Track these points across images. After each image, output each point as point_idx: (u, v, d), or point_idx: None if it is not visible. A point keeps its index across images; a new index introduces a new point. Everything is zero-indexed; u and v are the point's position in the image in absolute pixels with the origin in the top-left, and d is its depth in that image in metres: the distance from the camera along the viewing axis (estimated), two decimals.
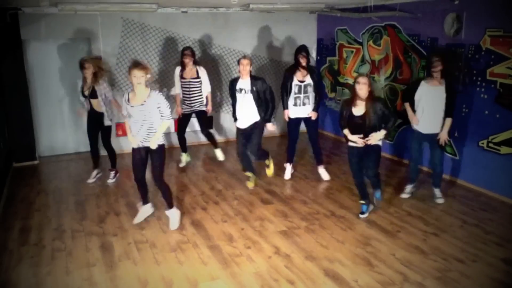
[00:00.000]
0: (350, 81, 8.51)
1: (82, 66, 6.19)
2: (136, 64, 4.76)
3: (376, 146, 5.12)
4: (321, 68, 9.30)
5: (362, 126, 5.00)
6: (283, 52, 9.12)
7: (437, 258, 4.39)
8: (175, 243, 4.79)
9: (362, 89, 4.90)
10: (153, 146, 4.86)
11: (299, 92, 6.25)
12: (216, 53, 8.58)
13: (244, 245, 4.73)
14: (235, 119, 6.15)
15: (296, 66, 6.24)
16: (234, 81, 6.03)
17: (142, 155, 5.01)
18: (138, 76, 4.70)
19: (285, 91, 6.29)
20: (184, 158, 7.42)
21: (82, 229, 5.16)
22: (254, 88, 5.85)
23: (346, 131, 5.16)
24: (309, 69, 6.28)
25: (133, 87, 4.85)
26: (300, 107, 6.33)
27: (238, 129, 6.15)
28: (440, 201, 5.70)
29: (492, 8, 5.69)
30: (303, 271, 4.21)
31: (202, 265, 4.36)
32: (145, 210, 5.37)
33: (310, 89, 6.27)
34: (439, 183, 5.76)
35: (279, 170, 6.88)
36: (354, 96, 5.02)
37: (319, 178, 6.67)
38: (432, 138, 5.56)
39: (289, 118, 6.43)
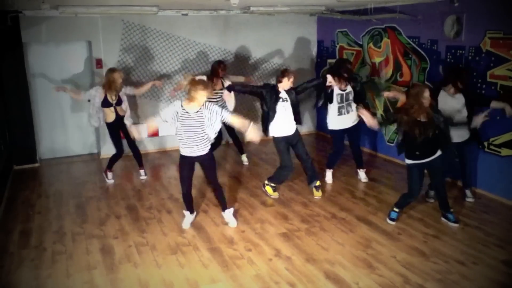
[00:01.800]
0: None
1: (112, 76, 6.32)
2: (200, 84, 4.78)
3: None
4: (322, 70, 9.30)
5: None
6: (283, 54, 9.12)
7: (438, 260, 4.39)
8: (176, 246, 4.79)
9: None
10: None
11: (342, 101, 6.22)
12: (216, 56, 8.59)
13: (244, 248, 4.73)
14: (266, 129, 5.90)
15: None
16: (273, 90, 5.85)
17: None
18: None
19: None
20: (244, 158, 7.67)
21: (82, 231, 5.16)
22: (290, 97, 5.82)
23: None
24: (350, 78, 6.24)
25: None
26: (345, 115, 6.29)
27: (280, 139, 5.87)
28: (471, 200, 5.81)
29: (492, 10, 5.69)
30: (304, 274, 4.21)
31: (203, 268, 4.35)
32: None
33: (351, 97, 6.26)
34: (470, 183, 5.89)
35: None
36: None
37: (320, 180, 6.67)
38: (459, 146, 5.56)
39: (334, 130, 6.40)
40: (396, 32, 7.25)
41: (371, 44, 7.88)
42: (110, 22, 7.72)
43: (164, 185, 6.68)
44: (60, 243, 4.89)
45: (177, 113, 4.81)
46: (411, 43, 6.98)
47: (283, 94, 5.80)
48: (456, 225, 5.10)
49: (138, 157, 6.87)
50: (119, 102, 6.46)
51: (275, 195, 6.08)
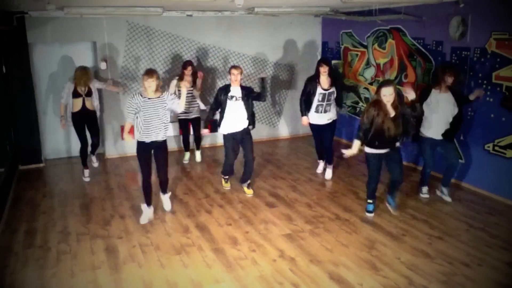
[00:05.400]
0: (355, 84, 8.51)
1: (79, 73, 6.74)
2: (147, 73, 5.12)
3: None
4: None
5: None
6: (287, 55, 9.12)
7: (443, 262, 4.37)
8: (180, 246, 4.80)
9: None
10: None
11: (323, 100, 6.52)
12: (220, 56, 8.60)
13: (248, 248, 4.73)
14: (219, 126, 6.16)
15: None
16: (226, 88, 6.05)
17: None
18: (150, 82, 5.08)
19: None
20: (187, 156, 7.89)
21: (87, 231, 5.17)
22: (244, 95, 5.98)
23: None
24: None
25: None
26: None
27: (228, 136, 6.11)
28: (448, 199, 5.82)
29: (498, 11, 5.67)
30: (308, 275, 4.20)
31: (207, 268, 4.36)
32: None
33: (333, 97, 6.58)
34: (449, 182, 5.90)
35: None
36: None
37: (323, 182, 6.67)
38: (444, 142, 5.68)
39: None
40: (401, 33, 7.23)
41: (375, 45, 7.87)
42: (115, 23, 7.74)
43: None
44: (65, 243, 4.91)
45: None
46: (416, 44, 6.96)
47: (234, 92, 5.95)
48: (392, 210, 5.41)
49: (94, 147, 7.16)
50: (89, 93, 6.74)
51: (227, 186, 6.48)
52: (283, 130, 9.45)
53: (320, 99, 6.46)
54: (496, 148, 5.87)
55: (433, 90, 5.63)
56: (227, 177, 6.48)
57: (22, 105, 7.42)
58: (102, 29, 7.70)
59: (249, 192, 6.24)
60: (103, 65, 7.81)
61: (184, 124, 7.72)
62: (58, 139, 8.08)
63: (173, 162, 7.50)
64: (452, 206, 5.68)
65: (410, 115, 5.11)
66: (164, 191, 5.68)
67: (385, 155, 5.20)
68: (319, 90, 6.44)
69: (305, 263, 4.40)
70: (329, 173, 6.85)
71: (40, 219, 5.55)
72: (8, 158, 6.75)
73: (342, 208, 5.73)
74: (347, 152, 5.14)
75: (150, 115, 5.12)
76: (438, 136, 5.63)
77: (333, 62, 9.03)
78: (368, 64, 8.13)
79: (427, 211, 5.55)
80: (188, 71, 7.24)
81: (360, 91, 8.40)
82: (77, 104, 6.69)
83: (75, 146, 8.18)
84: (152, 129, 5.17)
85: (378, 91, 4.97)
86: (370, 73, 8.09)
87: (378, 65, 7.87)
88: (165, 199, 5.72)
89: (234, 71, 5.89)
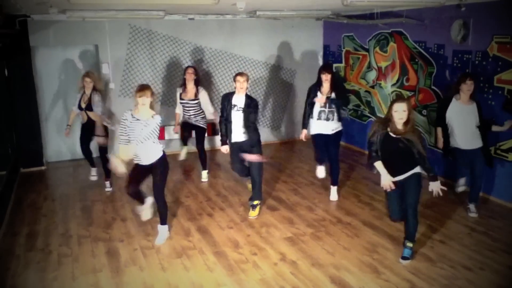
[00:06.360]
0: (357, 87, 8.51)
1: (85, 78, 6.37)
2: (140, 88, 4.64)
3: None
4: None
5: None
6: (289, 58, 9.13)
7: (445, 266, 4.36)
8: (181, 249, 4.79)
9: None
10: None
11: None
12: (222, 59, 8.61)
13: (250, 252, 4.72)
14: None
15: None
16: (227, 96, 5.65)
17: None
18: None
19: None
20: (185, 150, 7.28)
21: (88, 234, 5.17)
22: (246, 106, 5.49)
23: None
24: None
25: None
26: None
27: (232, 144, 5.65)
28: (474, 215, 5.51)
29: (499, 15, 5.67)
30: (309, 278, 4.19)
31: (208, 272, 4.35)
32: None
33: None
34: (476, 197, 5.58)
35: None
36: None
37: (325, 185, 6.67)
38: (474, 153, 5.39)
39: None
40: (403, 36, 7.24)
41: (377, 49, 7.87)
42: (117, 26, 7.77)
43: (169, 188, 6.68)
44: (66, 246, 4.91)
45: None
46: (418, 47, 6.97)
47: (236, 101, 5.50)
48: (404, 261, 4.49)
49: (105, 167, 6.43)
50: (88, 107, 6.34)
51: (249, 188, 6.03)
52: (285, 133, 9.45)
53: (322, 104, 5.96)
54: (498, 151, 5.86)
55: (453, 100, 5.40)
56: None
57: (24, 108, 7.44)
58: (104, 32, 7.73)
59: (252, 214, 5.67)
60: (105, 69, 7.83)
61: (186, 127, 7.03)
62: (60, 142, 8.09)
63: (173, 165, 7.51)
64: (454, 210, 5.67)
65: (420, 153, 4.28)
66: (162, 222, 5.00)
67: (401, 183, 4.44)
68: (320, 96, 5.96)
69: (306, 267, 4.39)
70: (334, 194, 6.19)
71: (42, 222, 5.56)
72: (10, 161, 6.76)
73: (344, 212, 5.72)
74: (385, 183, 4.41)
75: (136, 138, 4.57)
76: (468, 147, 5.36)
77: (335, 65, 9.05)
78: (369, 67, 8.13)
79: (429, 215, 5.53)
80: (189, 75, 6.66)
81: (362, 94, 8.40)
82: (83, 116, 6.49)
83: (77, 149, 8.20)
84: (138, 152, 4.69)
85: (389, 108, 4.34)
86: (371, 76, 8.10)
87: (379, 69, 7.87)
88: (161, 230, 5.02)
89: (239, 78, 5.40)
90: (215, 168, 7.66)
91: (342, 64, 8.87)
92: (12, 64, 7.24)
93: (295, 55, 9.17)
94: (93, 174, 7.00)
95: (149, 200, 5.09)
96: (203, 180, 7.03)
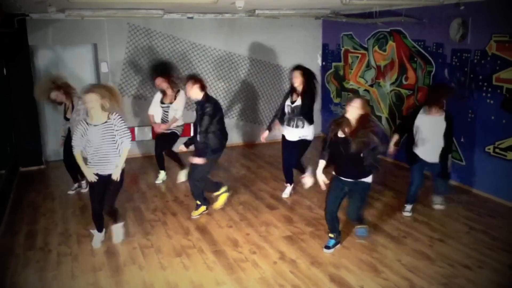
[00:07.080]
0: (355, 86, 8.52)
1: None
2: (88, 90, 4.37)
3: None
4: (327, 73, 9.31)
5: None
6: (287, 57, 9.12)
7: (443, 264, 4.37)
8: (181, 248, 4.80)
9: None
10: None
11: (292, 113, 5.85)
12: (221, 59, 8.61)
13: (249, 250, 4.73)
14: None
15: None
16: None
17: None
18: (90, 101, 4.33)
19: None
20: (162, 176, 7.02)
21: (88, 233, 5.17)
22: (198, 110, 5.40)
23: None
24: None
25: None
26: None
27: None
28: (439, 207, 5.65)
29: (498, 14, 5.68)
30: (309, 277, 4.20)
31: (207, 270, 4.36)
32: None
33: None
34: (443, 191, 5.66)
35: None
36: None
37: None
38: (435, 167, 5.32)
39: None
40: (402, 35, 7.24)
41: (376, 47, 7.88)
42: (116, 25, 7.76)
43: (169, 187, 6.69)
44: (66, 245, 4.91)
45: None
46: (417, 46, 6.97)
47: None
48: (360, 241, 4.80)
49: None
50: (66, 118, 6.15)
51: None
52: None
53: (289, 110, 5.81)
54: (497, 150, 5.87)
55: (421, 111, 5.21)
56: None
57: (23, 107, 7.43)
58: (103, 31, 7.72)
59: (216, 206, 5.73)
60: (104, 67, 7.82)
61: (159, 139, 6.83)
62: (59, 141, 8.06)
63: (172, 164, 7.50)
64: (453, 209, 5.68)
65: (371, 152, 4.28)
66: (115, 222, 4.92)
67: (348, 185, 4.52)
68: (287, 102, 5.86)
69: (306, 265, 4.40)
70: (286, 192, 6.23)
71: (41, 221, 5.56)
72: (9, 160, 6.76)
73: (343, 210, 5.71)
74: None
75: (94, 145, 4.39)
76: (431, 160, 5.26)
77: (334, 64, 9.05)
78: (368, 66, 8.14)
79: (428, 214, 5.54)
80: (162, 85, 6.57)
81: (360, 93, 8.40)
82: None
83: None
84: (97, 160, 4.49)
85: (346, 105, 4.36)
86: (370, 75, 8.10)
87: (378, 67, 7.88)
88: (115, 229, 4.94)
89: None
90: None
91: (341, 63, 8.88)
92: (11, 63, 7.22)
93: (294, 54, 9.15)
94: (72, 189, 6.57)
95: (101, 234, 4.95)
96: (181, 180, 6.85)
